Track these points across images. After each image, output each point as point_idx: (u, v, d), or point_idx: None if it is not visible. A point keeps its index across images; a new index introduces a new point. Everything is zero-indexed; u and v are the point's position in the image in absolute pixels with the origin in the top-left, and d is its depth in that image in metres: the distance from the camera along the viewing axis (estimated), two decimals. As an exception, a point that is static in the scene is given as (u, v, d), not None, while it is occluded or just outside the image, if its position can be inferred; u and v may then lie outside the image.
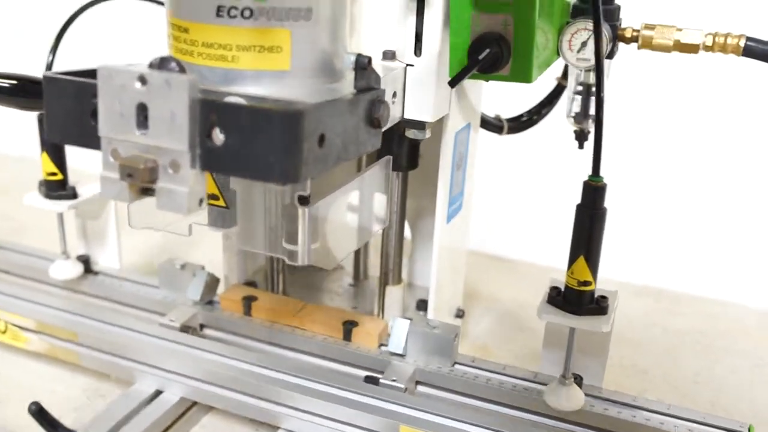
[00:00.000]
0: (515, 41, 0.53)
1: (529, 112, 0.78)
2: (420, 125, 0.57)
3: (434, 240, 0.65)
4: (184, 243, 0.94)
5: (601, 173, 0.51)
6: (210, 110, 0.39)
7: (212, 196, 0.52)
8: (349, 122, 0.44)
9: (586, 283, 0.53)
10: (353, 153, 0.46)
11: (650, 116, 0.94)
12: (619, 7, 0.61)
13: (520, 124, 0.79)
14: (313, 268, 0.83)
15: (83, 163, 0.74)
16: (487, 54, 0.52)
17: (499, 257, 1.02)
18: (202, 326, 0.70)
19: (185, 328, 0.67)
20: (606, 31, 0.60)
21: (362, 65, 0.46)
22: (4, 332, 0.69)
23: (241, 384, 0.60)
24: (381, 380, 0.60)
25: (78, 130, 0.43)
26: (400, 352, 0.63)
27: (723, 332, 0.85)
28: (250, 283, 0.77)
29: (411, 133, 0.58)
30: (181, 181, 0.39)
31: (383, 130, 0.49)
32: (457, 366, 0.63)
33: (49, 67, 0.70)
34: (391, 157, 0.57)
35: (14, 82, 0.56)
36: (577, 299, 0.53)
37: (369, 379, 0.61)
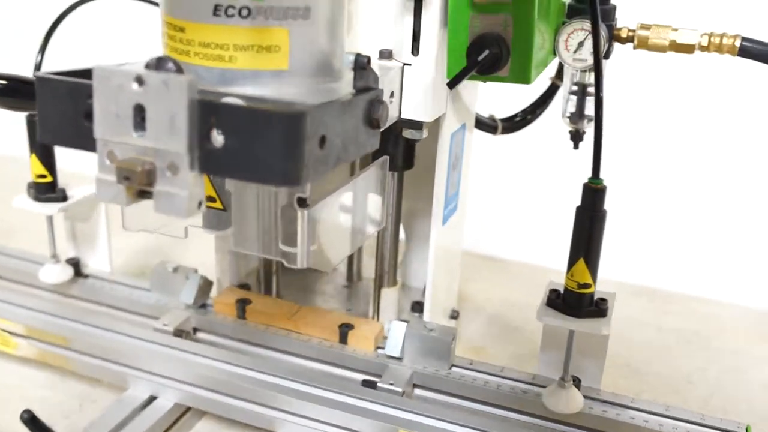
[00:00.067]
0: (514, 42, 0.53)
1: (524, 111, 0.77)
2: (417, 125, 0.57)
3: (431, 242, 0.64)
4: (173, 245, 0.93)
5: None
6: (209, 112, 0.38)
7: (209, 198, 0.51)
8: (349, 123, 0.44)
9: (585, 286, 0.52)
10: (353, 154, 0.45)
11: (643, 116, 0.94)
12: (615, 7, 0.61)
13: (514, 124, 0.78)
14: (307, 269, 0.82)
15: (68, 163, 0.74)
16: (486, 55, 0.52)
17: (490, 257, 1.02)
18: (195, 330, 0.69)
19: (179, 333, 0.66)
20: (603, 31, 0.59)
21: (361, 65, 0.46)
22: (-8, 337, 0.68)
23: (236, 389, 0.59)
24: (378, 384, 0.59)
25: (72, 132, 0.42)
26: (397, 355, 0.62)
27: (716, 331, 0.85)
28: (243, 286, 0.76)
29: (408, 133, 0.57)
30: (180, 184, 0.39)
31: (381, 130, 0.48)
32: (454, 368, 0.62)
33: (38, 67, 0.69)
34: (388, 157, 0.56)
35: (3, 82, 0.55)
36: (576, 302, 0.53)
37: (366, 383, 0.60)
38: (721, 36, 0.58)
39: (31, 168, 0.71)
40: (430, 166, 0.64)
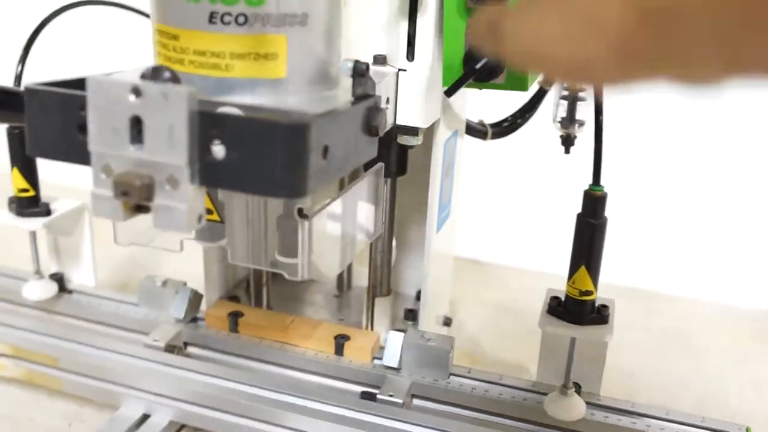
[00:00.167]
0: (511, 48, 0.52)
1: (513, 116, 0.77)
2: (413, 131, 0.56)
3: (425, 249, 0.64)
4: (153, 257, 0.92)
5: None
6: (210, 123, 0.37)
7: (206, 211, 0.49)
8: (349, 131, 0.43)
9: (587, 293, 0.52)
10: (352, 163, 0.44)
11: (632, 119, 0.94)
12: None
13: (504, 129, 0.78)
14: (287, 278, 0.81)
15: (48, 174, 0.72)
16: (484, 63, 0.51)
17: (476, 261, 1.01)
18: (186, 345, 0.67)
19: (170, 348, 0.64)
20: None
21: (360, 72, 0.45)
22: (-25, 358, 0.66)
23: (232, 404, 0.58)
24: (378, 396, 0.58)
25: (64, 145, 0.40)
26: (395, 365, 0.62)
27: (702, 331, 0.85)
28: (233, 298, 0.75)
29: (404, 140, 0.57)
30: (180, 198, 0.37)
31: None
32: (452, 377, 0.62)
33: (18, 78, 0.67)
34: (383, 164, 0.55)
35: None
36: (578, 309, 0.53)
37: (365, 395, 0.59)
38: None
39: (13, 182, 0.69)
40: (421, 173, 0.63)
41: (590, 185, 0.50)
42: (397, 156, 0.62)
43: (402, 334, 0.62)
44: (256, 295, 0.73)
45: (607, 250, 0.93)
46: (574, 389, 0.57)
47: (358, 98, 0.45)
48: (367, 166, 0.55)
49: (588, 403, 0.59)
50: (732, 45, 0.26)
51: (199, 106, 0.37)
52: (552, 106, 0.71)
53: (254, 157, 0.36)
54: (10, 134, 0.66)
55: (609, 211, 0.93)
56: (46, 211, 0.70)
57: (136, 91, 0.37)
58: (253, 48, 0.42)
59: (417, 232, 0.74)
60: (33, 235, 0.71)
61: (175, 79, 0.38)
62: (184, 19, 0.42)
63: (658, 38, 0.28)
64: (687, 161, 0.94)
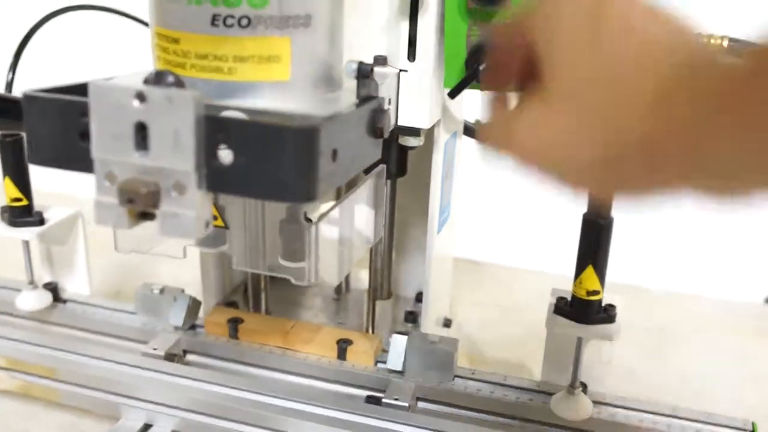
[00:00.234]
0: (513, 49, 0.51)
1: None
2: (415, 132, 0.55)
3: (427, 251, 0.63)
4: (146, 263, 0.90)
5: None
6: (217, 128, 0.36)
7: (210, 217, 0.49)
8: (355, 134, 0.42)
9: (594, 293, 0.52)
10: (359, 166, 0.44)
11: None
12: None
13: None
14: (294, 284, 0.80)
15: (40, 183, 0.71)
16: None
17: (466, 260, 1.01)
18: (185, 352, 0.66)
19: (170, 356, 0.63)
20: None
21: (365, 73, 0.44)
22: (-30, 371, 0.64)
23: (235, 412, 0.57)
24: (383, 399, 0.58)
25: (65, 153, 0.40)
26: (399, 369, 0.61)
27: (700, 327, 0.86)
28: (230, 303, 0.74)
29: (405, 141, 0.56)
30: (187, 204, 0.37)
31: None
32: (457, 379, 0.61)
33: (9, 85, 0.65)
34: (385, 165, 0.55)
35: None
36: (585, 309, 0.52)
37: (370, 399, 0.58)
38: (709, 37, 0.58)
39: (5, 191, 0.67)
40: (420, 174, 0.63)
41: (596, 184, 0.50)
42: (397, 157, 0.62)
43: (405, 337, 0.61)
44: (255, 300, 0.72)
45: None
46: (581, 388, 0.57)
47: (363, 100, 0.45)
48: (368, 168, 0.54)
49: (594, 402, 0.58)
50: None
51: (205, 111, 0.36)
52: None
53: (263, 162, 0.36)
54: (2, 143, 0.65)
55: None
56: (40, 221, 0.68)
57: (141, 97, 0.36)
58: (256, 51, 0.41)
59: (416, 233, 0.74)
60: (26, 244, 0.70)
61: (179, 83, 0.38)
62: (186, 22, 0.41)
63: (687, 147, 0.27)
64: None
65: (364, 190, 0.53)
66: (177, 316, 0.67)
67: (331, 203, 0.49)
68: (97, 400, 0.60)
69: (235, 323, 0.66)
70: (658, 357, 0.79)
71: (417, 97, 0.54)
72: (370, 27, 0.54)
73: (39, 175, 0.69)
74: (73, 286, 0.75)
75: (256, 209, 0.50)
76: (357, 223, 0.53)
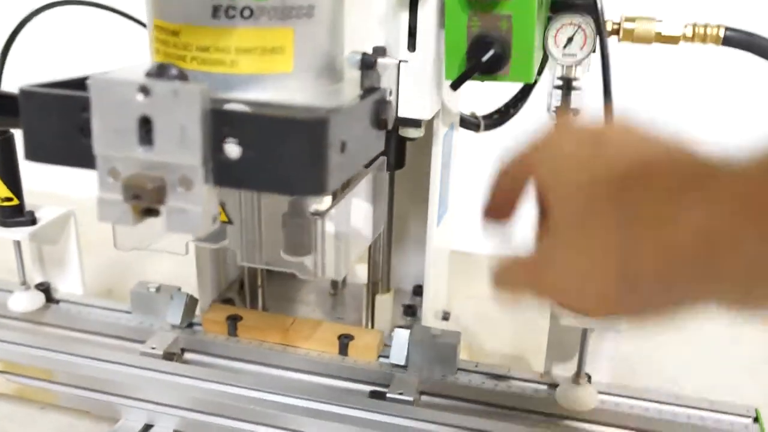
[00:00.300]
0: (515, 41, 0.51)
1: (506, 105, 0.76)
2: (416, 123, 0.55)
3: (427, 244, 0.63)
4: (136, 261, 0.89)
5: None
6: (224, 121, 0.35)
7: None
8: (361, 125, 0.42)
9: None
10: (364, 158, 0.43)
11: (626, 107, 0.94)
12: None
13: (495, 120, 0.77)
14: (290, 279, 0.79)
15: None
16: (491, 55, 0.50)
17: (458, 252, 1.00)
18: (183, 351, 0.65)
19: (168, 355, 0.62)
20: (589, 24, 0.59)
21: (369, 64, 0.44)
22: (-37, 375, 0.63)
23: (238, 411, 0.56)
24: (388, 394, 0.57)
25: (65, 149, 0.38)
26: (402, 363, 0.60)
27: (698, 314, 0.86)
28: (226, 300, 0.73)
29: (405, 132, 0.55)
30: (194, 200, 0.36)
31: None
32: (460, 372, 0.61)
33: (-4, 82, 0.64)
34: (385, 157, 0.54)
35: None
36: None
37: (375, 394, 0.58)
38: (705, 26, 0.58)
39: (-5, 191, 0.66)
40: (418, 166, 0.62)
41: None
42: (395, 149, 0.61)
43: (407, 331, 0.61)
44: (252, 296, 0.71)
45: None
46: (586, 379, 0.57)
47: (367, 91, 0.44)
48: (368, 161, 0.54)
49: (599, 392, 0.58)
50: None
51: (212, 104, 0.35)
52: (546, 96, 0.71)
53: (272, 155, 0.35)
54: (-9, 140, 0.64)
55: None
56: (32, 220, 0.67)
57: (145, 90, 0.35)
58: (259, 42, 0.40)
59: (415, 226, 0.73)
60: (17, 244, 0.69)
61: (182, 76, 0.37)
62: (186, 15, 0.40)
63: (703, 263, 0.27)
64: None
65: (366, 183, 0.52)
66: (174, 314, 0.66)
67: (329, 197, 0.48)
68: (95, 401, 0.59)
69: (234, 320, 0.65)
70: (652, 344, 0.79)
71: (417, 88, 0.53)
72: (369, 17, 0.53)
73: (29, 174, 0.68)
74: (66, 285, 0.74)
75: (258, 204, 0.49)
76: (359, 216, 0.53)
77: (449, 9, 0.51)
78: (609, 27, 0.60)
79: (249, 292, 0.71)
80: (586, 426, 0.55)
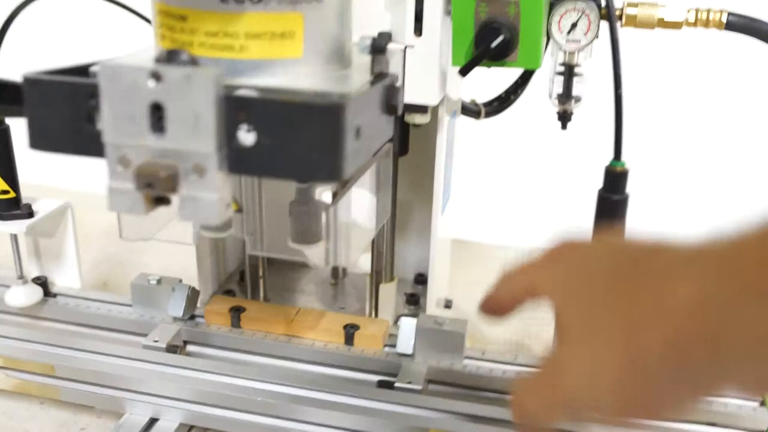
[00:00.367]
0: (523, 26, 0.51)
1: (507, 92, 0.75)
2: (423, 109, 0.54)
3: (432, 232, 0.62)
4: (132, 253, 0.88)
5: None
6: (239, 107, 0.34)
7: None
8: (373, 111, 0.41)
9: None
10: (377, 143, 0.43)
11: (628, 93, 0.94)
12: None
13: (495, 107, 0.77)
14: (291, 269, 0.79)
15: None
16: (500, 41, 0.50)
17: (457, 239, 1.00)
18: (185, 343, 0.65)
19: (172, 348, 0.62)
20: (593, 10, 0.58)
21: (380, 49, 0.43)
22: (-39, 371, 0.62)
23: (245, 402, 0.56)
24: (396, 384, 0.57)
25: (71, 137, 0.38)
26: (409, 352, 0.60)
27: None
28: (227, 292, 0.72)
29: (411, 118, 0.55)
30: (209, 187, 0.35)
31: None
32: (467, 361, 0.60)
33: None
34: (392, 144, 0.54)
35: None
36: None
37: (383, 384, 0.58)
38: (708, 11, 0.58)
39: (-9, 183, 0.65)
40: (419, 154, 0.62)
41: (611, 161, 0.49)
42: (400, 135, 0.60)
43: (414, 320, 0.60)
44: (253, 287, 0.71)
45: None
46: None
47: (377, 77, 0.43)
48: (374, 148, 0.53)
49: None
50: None
51: (225, 90, 0.35)
52: (548, 83, 0.70)
53: (287, 141, 0.34)
54: (-15, 132, 0.63)
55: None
56: (29, 213, 0.66)
57: (156, 76, 0.34)
58: (269, 27, 0.40)
59: (415, 214, 0.73)
60: (14, 238, 0.67)
61: (194, 62, 0.36)
62: (194, -1, 0.39)
63: (713, 351, 0.27)
64: (684, 136, 0.94)
65: (373, 170, 0.52)
66: (176, 306, 0.65)
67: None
68: (99, 395, 0.58)
69: (237, 312, 0.64)
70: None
71: (424, 73, 0.53)
72: (375, 2, 0.52)
73: (24, 167, 0.67)
74: (63, 279, 0.73)
75: (270, 191, 0.49)
76: (366, 203, 0.52)
77: (456, -7, 0.51)
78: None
79: (250, 283, 0.71)
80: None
